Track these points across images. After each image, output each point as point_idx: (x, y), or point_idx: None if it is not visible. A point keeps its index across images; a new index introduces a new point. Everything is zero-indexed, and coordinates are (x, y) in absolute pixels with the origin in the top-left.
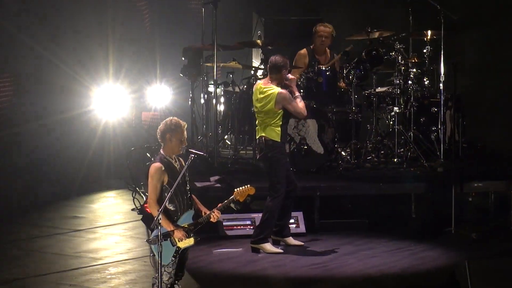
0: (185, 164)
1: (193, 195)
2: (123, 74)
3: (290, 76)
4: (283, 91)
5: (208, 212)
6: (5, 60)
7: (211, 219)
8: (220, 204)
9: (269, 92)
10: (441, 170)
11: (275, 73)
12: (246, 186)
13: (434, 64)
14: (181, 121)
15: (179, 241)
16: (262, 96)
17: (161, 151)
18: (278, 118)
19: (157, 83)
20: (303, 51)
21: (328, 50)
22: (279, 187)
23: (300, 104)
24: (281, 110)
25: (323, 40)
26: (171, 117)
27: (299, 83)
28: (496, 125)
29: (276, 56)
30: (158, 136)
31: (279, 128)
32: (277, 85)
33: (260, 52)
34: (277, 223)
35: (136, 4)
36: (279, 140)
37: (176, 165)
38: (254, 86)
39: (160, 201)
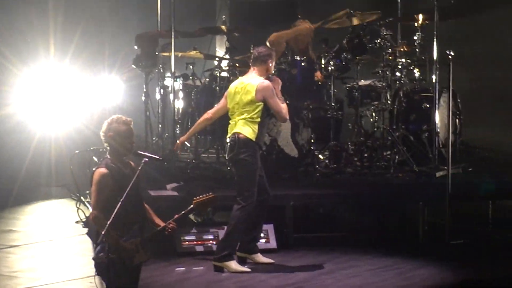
0: (137, 169)
1: (146, 205)
2: (67, 65)
3: (275, 77)
4: (267, 81)
5: (163, 225)
6: None
7: (166, 232)
8: (177, 215)
9: (250, 81)
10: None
11: (259, 64)
12: (207, 195)
13: (426, 54)
14: (124, 117)
15: (129, 258)
16: (240, 87)
17: (107, 154)
18: (257, 111)
19: (106, 76)
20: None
21: None
22: (248, 195)
23: (283, 104)
24: (261, 104)
25: (302, 40)
26: (114, 115)
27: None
28: (496, 124)
29: (260, 47)
30: (102, 139)
31: (256, 126)
32: (261, 77)
33: (225, 40)
34: (244, 237)
35: None
36: (254, 140)
37: (125, 170)
38: (231, 85)
39: (106, 212)
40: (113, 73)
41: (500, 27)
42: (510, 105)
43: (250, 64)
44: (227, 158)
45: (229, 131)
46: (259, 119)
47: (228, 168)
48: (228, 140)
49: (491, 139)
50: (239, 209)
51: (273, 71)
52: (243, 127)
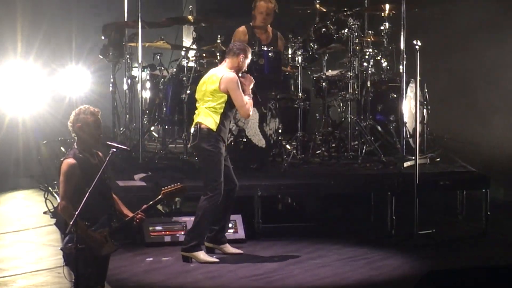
0: (104, 159)
1: (114, 195)
2: (33, 56)
3: (248, 75)
4: (233, 74)
5: (131, 215)
6: None
7: (135, 223)
8: (145, 206)
9: (216, 72)
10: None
11: (231, 56)
12: (175, 185)
13: (393, 44)
14: (92, 107)
15: (97, 248)
16: (208, 77)
17: (75, 145)
18: (220, 102)
19: (73, 66)
20: (242, 28)
21: (270, 28)
22: (215, 185)
23: (248, 100)
24: (224, 95)
25: (265, 17)
26: (82, 105)
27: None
28: (462, 113)
29: (236, 42)
30: (70, 129)
31: (219, 117)
32: (230, 69)
33: (191, 30)
34: (212, 227)
35: None
36: (215, 130)
37: (93, 161)
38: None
39: (74, 202)
40: (80, 64)
41: (465, 16)
42: (475, 95)
43: (225, 56)
44: (188, 146)
45: (194, 121)
46: (222, 110)
47: (196, 158)
48: (192, 129)
49: (458, 128)
50: (206, 199)
51: (246, 68)
52: (205, 118)
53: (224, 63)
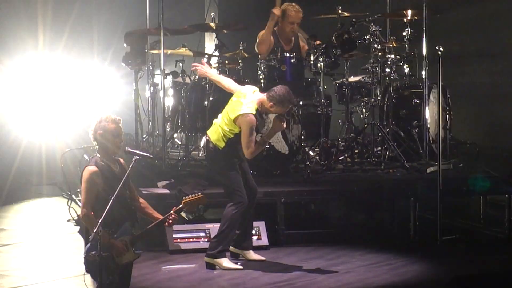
0: (127, 167)
1: (142, 200)
2: (57, 64)
3: (280, 123)
4: (251, 117)
5: (161, 217)
6: None
7: (167, 224)
8: (175, 208)
9: (245, 103)
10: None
11: (267, 96)
12: (196, 194)
13: (415, 49)
14: (113, 116)
15: (117, 256)
16: (236, 99)
17: (97, 153)
18: (232, 131)
19: (96, 74)
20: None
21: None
22: (238, 194)
23: (254, 144)
24: (238, 128)
25: (295, 27)
26: (103, 114)
27: (259, 72)
28: (485, 119)
29: (283, 89)
30: (91, 137)
31: (226, 140)
32: (258, 107)
33: (214, 37)
34: (236, 232)
35: None
36: (221, 149)
37: (115, 168)
38: (240, 89)
39: (96, 210)
40: (103, 71)
41: (490, 21)
42: (498, 100)
43: (269, 97)
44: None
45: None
46: (231, 136)
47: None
48: (203, 139)
49: (480, 133)
50: (231, 206)
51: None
52: (215, 134)
53: (261, 94)
